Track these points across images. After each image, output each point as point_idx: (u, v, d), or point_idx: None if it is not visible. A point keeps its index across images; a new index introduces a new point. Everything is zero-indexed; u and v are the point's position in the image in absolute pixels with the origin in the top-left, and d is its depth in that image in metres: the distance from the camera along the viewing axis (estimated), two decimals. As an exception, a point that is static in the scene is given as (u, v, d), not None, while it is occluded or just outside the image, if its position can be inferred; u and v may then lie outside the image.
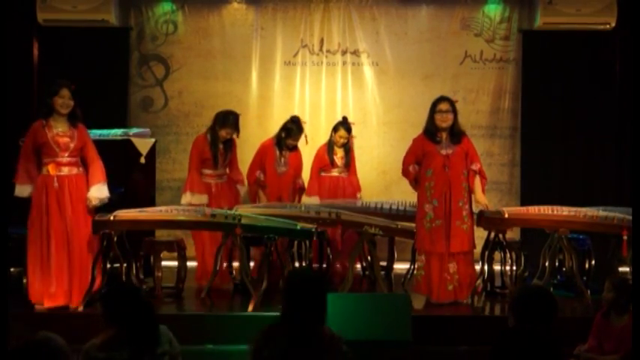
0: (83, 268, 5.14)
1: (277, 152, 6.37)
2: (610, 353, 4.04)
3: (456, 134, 5.40)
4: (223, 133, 5.95)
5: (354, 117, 7.41)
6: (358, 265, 6.39)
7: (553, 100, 7.26)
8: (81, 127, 5.26)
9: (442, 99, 5.42)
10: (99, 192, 5.17)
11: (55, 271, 5.04)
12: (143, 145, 6.27)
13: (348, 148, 6.54)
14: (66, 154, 5.12)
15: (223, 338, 4.83)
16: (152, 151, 6.46)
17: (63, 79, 5.25)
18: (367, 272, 6.35)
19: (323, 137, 7.07)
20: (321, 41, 7.47)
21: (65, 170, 5.12)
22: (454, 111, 5.39)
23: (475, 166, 5.42)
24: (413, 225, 5.70)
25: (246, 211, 5.44)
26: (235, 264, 5.89)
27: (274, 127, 7.37)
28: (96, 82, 7.13)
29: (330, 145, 6.53)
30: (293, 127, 6.32)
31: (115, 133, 6.25)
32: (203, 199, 5.81)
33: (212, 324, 4.97)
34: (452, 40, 7.44)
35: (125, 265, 5.28)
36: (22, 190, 5.12)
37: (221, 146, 5.99)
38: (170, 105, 7.49)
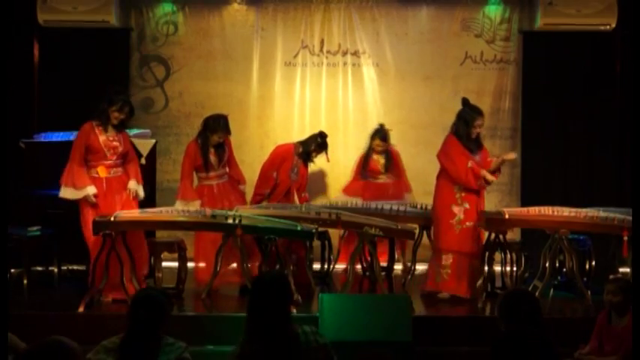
0: (142, 260, 5.46)
1: (295, 160, 6.32)
2: (610, 354, 4.04)
3: (480, 142, 5.71)
4: (215, 138, 5.86)
5: (354, 118, 7.43)
6: (358, 266, 6.38)
7: (553, 100, 7.26)
8: (124, 132, 5.55)
9: (480, 114, 5.64)
10: (136, 185, 5.51)
11: (114, 265, 5.18)
12: (144, 146, 6.27)
13: (389, 154, 6.58)
14: (114, 158, 5.42)
15: (223, 339, 4.82)
16: (152, 151, 6.46)
17: (124, 94, 5.57)
18: (367, 273, 6.35)
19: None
20: (322, 42, 7.46)
21: (112, 172, 5.43)
22: None
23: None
24: (414, 225, 5.73)
25: (247, 212, 5.44)
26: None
27: (275, 127, 7.40)
28: (96, 82, 7.12)
29: (366, 152, 6.59)
30: (322, 142, 6.34)
31: (115, 133, 6.24)
32: (196, 204, 5.73)
33: (212, 325, 4.97)
34: (452, 41, 7.44)
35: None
36: (72, 193, 5.28)
37: (213, 150, 5.91)
38: (171, 106, 7.49)
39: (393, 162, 6.63)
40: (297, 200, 6.25)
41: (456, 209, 5.52)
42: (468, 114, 5.60)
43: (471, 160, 5.53)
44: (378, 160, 6.59)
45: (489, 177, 5.57)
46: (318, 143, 6.33)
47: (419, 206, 6.17)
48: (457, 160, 5.55)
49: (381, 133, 6.54)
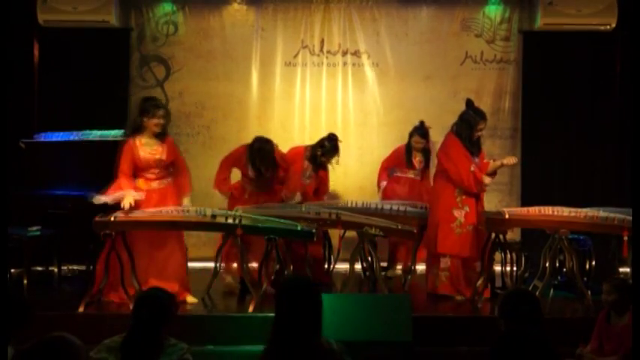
0: (178, 267, 5.38)
1: (306, 163, 6.28)
2: (610, 354, 4.04)
3: (479, 144, 5.70)
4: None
5: (355, 118, 7.43)
6: (358, 266, 6.37)
7: (553, 100, 7.26)
8: (169, 140, 5.42)
9: (483, 118, 5.62)
10: (190, 203, 5.42)
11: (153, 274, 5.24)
12: (144, 146, 6.26)
13: (427, 152, 6.55)
14: (157, 170, 5.33)
15: (224, 339, 4.83)
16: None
17: (155, 99, 5.45)
18: (368, 273, 6.35)
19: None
20: (322, 42, 7.46)
21: (154, 184, 5.34)
22: None
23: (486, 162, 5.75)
24: (414, 226, 5.73)
25: (247, 212, 5.44)
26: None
27: (275, 127, 7.40)
28: (96, 82, 7.14)
29: (408, 148, 6.55)
30: (330, 146, 6.25)
31: (116, 134, 6.25)
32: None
33: (212, 325, 4.97)
34: (452, 41, 7.44)
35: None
36: (112, 197, 5.16)
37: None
38: (171, 106, 7.43)
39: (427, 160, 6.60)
40: None
41: (456, 212, 5.53)
42: (472, 117, 5.58)
43: (473, 163, 5.53)
44: (417, 156, 6.56)
45: (487, 181, 5.57)
46: (325, 147, 6.24)
47: (419, 206, 6.17)
48: (459, 162, 5.53)
49: (421, 130, 6.49)
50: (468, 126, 5.57)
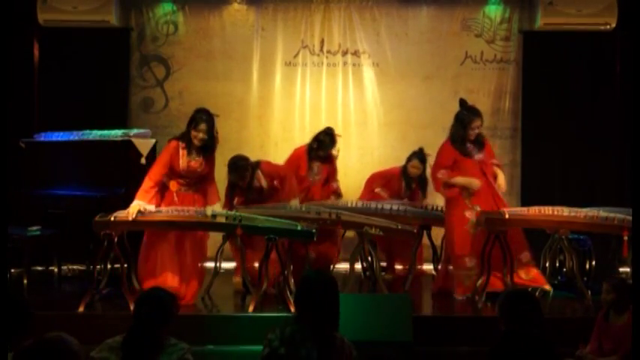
0: (196, 270, 5.37)
1: (308, 161, 6.31)
2: (609, 354, 4.05)
3: (481, 140, 5.65)
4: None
5: (355, 118, 7.43)
6: (358, 266, 6.38)
7: (554, 100, 7.25)
8: (213, 155, 5.39)
9: (477, 115, 5.56)
10: (211, 210, 5.32)
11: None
12: (144, 146, 6.26)
13: (423, 180, 6.43)
14: (189, 180, 5.33)
15: (224, 339, 4.83)
16: (153, 151, 6.44)
17: (205, 111, 5.36)
18: (368, 273, 6.35)
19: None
20: (322, 42, 7.46)
21: (183, 189, 5.32)
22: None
23: (495, 161, 5.75)
24: (414, 226, 5.73)
25: (247, 212, 5.44)
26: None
27: (275, 127, 7.40)
28: (96, 82, 7.15)
29: (404, 175, 6.43)
30: (325, 140, 6.26)
31: (116, 133, 6.25)
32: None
33: (213, 324, 4.97)
34: (452, 41, 7.43)
35: (126, 265, 5.28)
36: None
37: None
38: (171, 105, 7.49)
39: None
40: (332, 198, 6.30)
41: (468, 214, 5.53)
42: (465, 115, 5.56)
43: (442, 169, 5.53)
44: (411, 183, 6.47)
45: (459, 181, 5.51)
46: (320, 141, 6.27)
47: (419, 206, 6.16)
48: (434, 167, 5.65)
49: (420, 155, 6.40)
50: (462, 125, 5.55)
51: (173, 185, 5.31)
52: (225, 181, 5.97)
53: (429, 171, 6.17)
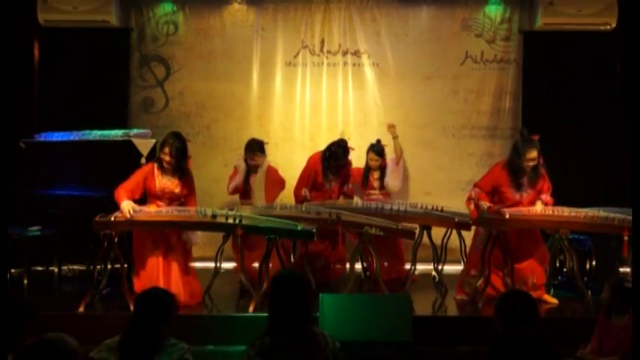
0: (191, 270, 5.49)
1: (323, 169, 6.31)
2: (610, 354, 4.05)
3: (537, 173, 5.52)
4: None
5: (355, 118, 7.42)
6: (358, 266, 6.38)
7: (554, 100, 7.25)
8: (189, 177, 5.42)
9: (533, 146, 5.40)
10: (195, 235, 5.43)
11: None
12: (144, 146, 6.27)
13: (384, 171, 6.53)
14: (168, 200, 5.35)
15: (224, 339, 4.83)
16: (153, 152, 6.45)
17: (174, 135, 5.37)
18: (368, 273, 6.35)
19: (323, 138, 7.08)
20: (322, 42, 7.46)
21: (163, 211, 5.29)
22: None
23: (545, 197, 5.57)
24: (414, 225, 5.73)
25: (247, 212, 5.44)
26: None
27: (275, 127, 7.40)
28: (96, 82, 7.14)
29: (365, 167, 6.55)
30: (338, 151, 6.25)
31: (116, 134, 6.26)
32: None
33: (213, 325, 4.97)
34: (452, 41, 7.43)
35: (126, 265, 5.29)
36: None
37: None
38: (171, 106, 7.49)
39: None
40: (341, 199, 6.32)
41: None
42: (520, 144, 5.43)
43: (476, 189, 5.52)
44: (374, 174, 6.57)
45: (483, 206, 5.43)
46: (332, 152, 6.25)
47: (419, 206, 6.16)
48: (475, 183, 5.64)
49: (376, 148, 6.52)
50: (517, 154, 5.44)
51: (153, 208, 5.31)
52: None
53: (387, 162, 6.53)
